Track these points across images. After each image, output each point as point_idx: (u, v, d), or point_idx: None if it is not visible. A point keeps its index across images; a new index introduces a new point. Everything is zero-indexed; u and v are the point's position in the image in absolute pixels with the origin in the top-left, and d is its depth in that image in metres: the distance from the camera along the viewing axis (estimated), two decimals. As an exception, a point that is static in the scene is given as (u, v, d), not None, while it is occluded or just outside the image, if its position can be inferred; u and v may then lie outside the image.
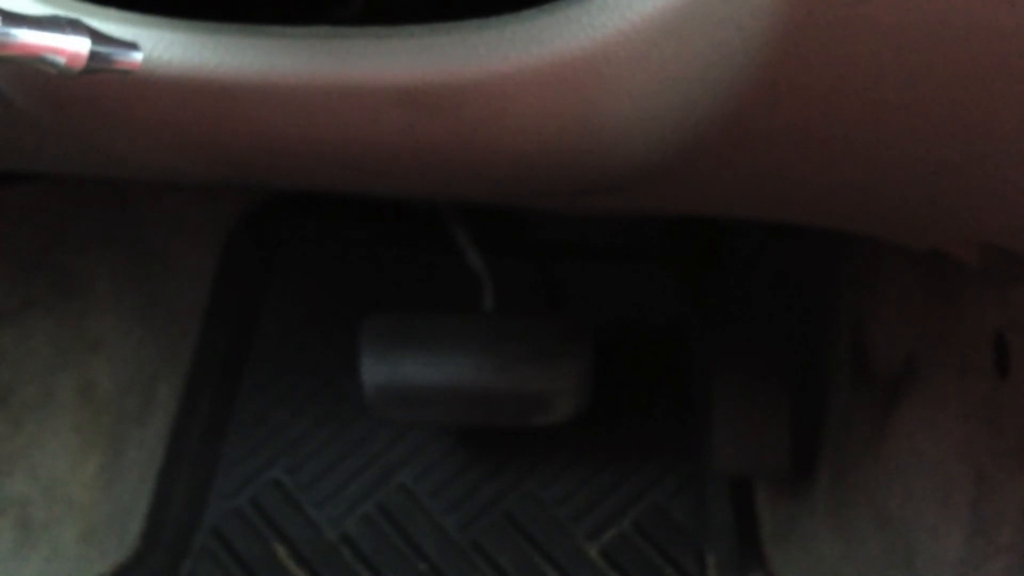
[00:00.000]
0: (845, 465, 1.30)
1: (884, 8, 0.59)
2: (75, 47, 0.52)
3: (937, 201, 0.79)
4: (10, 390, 1.44)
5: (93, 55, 0.52)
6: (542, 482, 1.43)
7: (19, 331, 1.45)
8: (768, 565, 1.36)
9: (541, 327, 1.28)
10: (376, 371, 1.28)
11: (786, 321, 1.35)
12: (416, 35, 0.59)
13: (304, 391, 1.48)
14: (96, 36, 0.52)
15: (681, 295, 1.48)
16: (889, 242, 1.13)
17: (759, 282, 1.39)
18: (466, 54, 0.59)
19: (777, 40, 0.60)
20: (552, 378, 1.27)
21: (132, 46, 0.54)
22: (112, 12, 0.62)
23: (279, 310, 1.52)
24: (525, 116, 0.62)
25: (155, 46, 0.61)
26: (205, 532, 1.43)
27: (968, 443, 1.13)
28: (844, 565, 1.27)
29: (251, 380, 1.49)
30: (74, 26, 0.52)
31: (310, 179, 0.76)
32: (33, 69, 0.52)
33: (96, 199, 1.47)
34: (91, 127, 0.70)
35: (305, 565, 1.41)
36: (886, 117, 0.67)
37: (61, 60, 0.52)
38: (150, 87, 0.62)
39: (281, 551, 1.42)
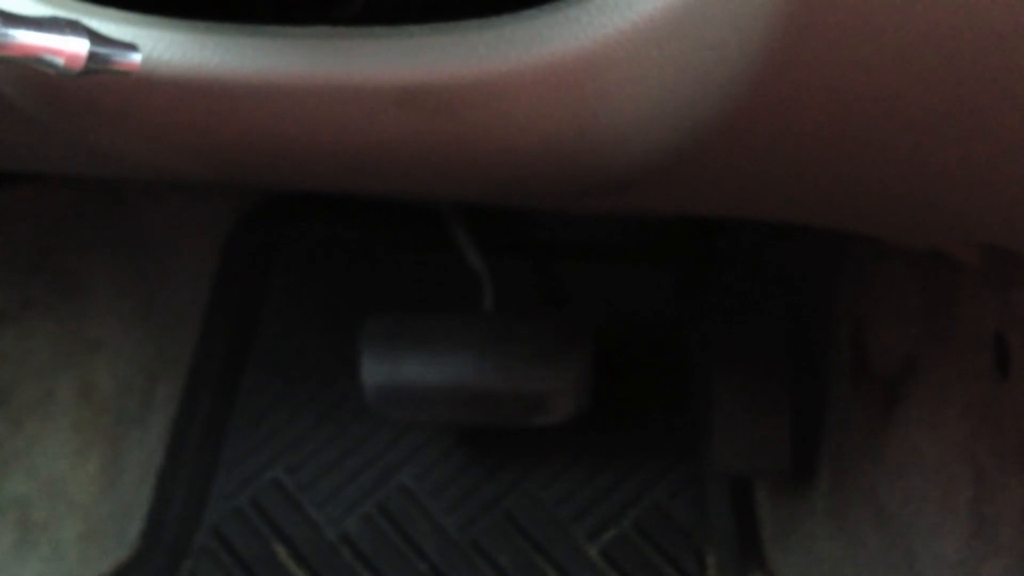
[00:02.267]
0: (845, 465, 1.30)
1: (883, 9, 0.59)
2: (73, 48, 0.52)
3: (937, 201, 0.79)
4: (10, 390, 1.44)
5: (92, 56, 0.52)
6: (542, 482, 1.43)
7: (19, 331, 1.45)
8: (768, 565, 1.36)
9: (541, 327, 1.28)
10: (376, 371, 1.28)
11: (786, 321, 1.35)
12: (416, 35, 0.59)
13: (304, 391, 1.48)
14: (95, 37, 0.52)
15: (681, 295, 1.48)
16: (889, 242, 1.13)
17: (759, 282, 1.39)
18: (466, 54, 0.59)
19: (776, 41, 0.60)
20: (552, 378, 1.27)
21: (131, 47, 0.54)
22: (111, 12, 0.62)
23: (279, 310, 1.52)
24: (525, 116, 0.62)
25: (155, 46, 0.61)
26: (205, 532, 1.43)
27: (968, 443, 1.13)
28: (844, 565, 1.27)
29: (251, 380, 1.49)
30: (73, 27, 0.52)
31: (310, 179, 0.76)
32: (33, 70, 0.52)
33: (96, 199, 1.47)
34: (91, 127, 0.70)
35: (305, 565, 1.41)
36: (886, 118, 0.67)
37: (59, 61, 0.52)
38: (150, 87, 0.62)
39: (281, 551, 1.42)
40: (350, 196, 1.20)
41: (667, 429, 1.43)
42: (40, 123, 0.73)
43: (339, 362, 1.48)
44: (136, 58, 0.54)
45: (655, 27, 0.58)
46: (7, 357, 1.45)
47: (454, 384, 1.28)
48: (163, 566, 1.41)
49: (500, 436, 1.45)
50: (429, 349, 1.28)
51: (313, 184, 0.79)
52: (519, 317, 1.30)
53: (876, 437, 1.25)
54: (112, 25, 0.61)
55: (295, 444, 1.46)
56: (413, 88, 0.60)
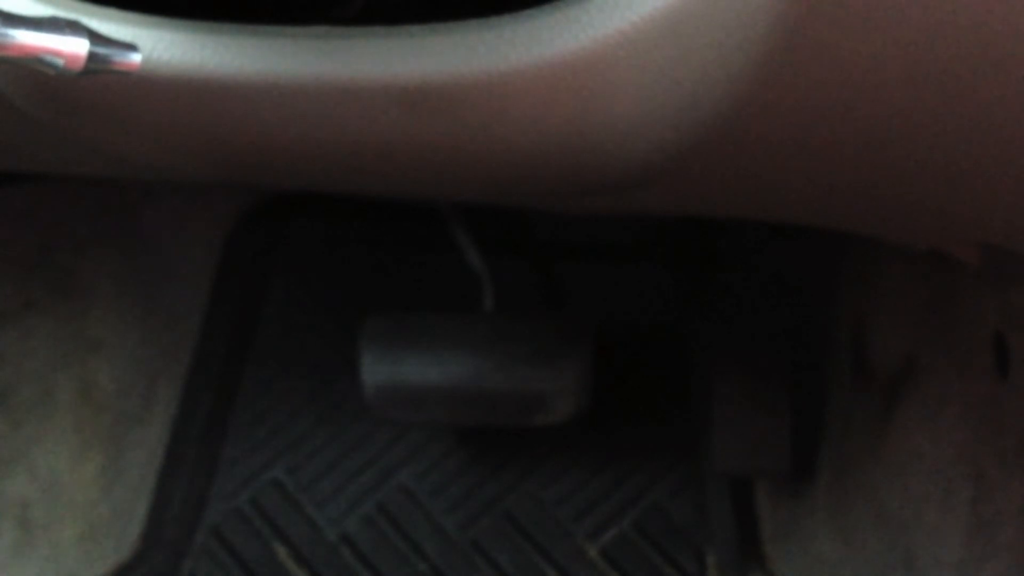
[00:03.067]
0: (845, 465, 1.30)
1: (884, 8, 0.59)
2: (73, 48, 0.52)
3: (937, 201, 0.79)
4: (10, 390, 1.44)
5: (91, 56, 0.52)
6: (542, 482, 1.43)
7: (19, 331, 1.45)
8: (768, 565, 1.36)
9: (541, 327, 1.28)
10: (376, 371, 1.28)
11: (786, 321, 1.35)
12: (416, 35, 0.59)
13: (304, 391, 1.48)
14: (94, 37, 0.52)
15: (681, 295, 1.48)
16: (889, 242, 1.13)
17: (759, 282, 1.39)
18: (466, 54, 0.59)
19: (777, 40, 0.60)
20: (552, 378, 1.27)
21: (131, 47, 0.54)
22: (111, 12, 0.62)
23: (279, 310, 1.52)
24: (525, 117, 0.62)
25: (155, 46, 0.61)
26: (205, 532, 1.43)
27: (968, 443, 1.13)
28: (844, 565, 1.27)
29: (251, 380, 1.49)
30: (72, 27, 0.52)
31: (310, 179, 0.76)
32: (33, 70, 0.52)
33: (96, 199, 1.47)
34: (91, 127, 0.70)
35: (305, 565, 1.41)
36: (886, 117, 0.67)
37: (59, 61, 0.52)
38: (150, 87, 0.62)
39: (281, 551, 1.42)
40: (350, 196, 1.20)
41: (667, 429, 1.43)
42: (40, 123, 0.73)
43: (339, 362, 1.48)
44: (136, 58, 0.54)
45: (655, 27, 0.58)
46: (7, 357, 1.45)
47: (454, 384, 1.28)
48: (163, 566, 1.41)
49: (500, 436, 1.45)
50: (429, 349, 1.28)
51: (313, 184, 0.79)
52: (519, 317, 1.30)
53: (876, 437, 1.25)
54: (112, 25, 0.61)
55: (295, 444, 1.46)
56: (413, 88, 0.60)
